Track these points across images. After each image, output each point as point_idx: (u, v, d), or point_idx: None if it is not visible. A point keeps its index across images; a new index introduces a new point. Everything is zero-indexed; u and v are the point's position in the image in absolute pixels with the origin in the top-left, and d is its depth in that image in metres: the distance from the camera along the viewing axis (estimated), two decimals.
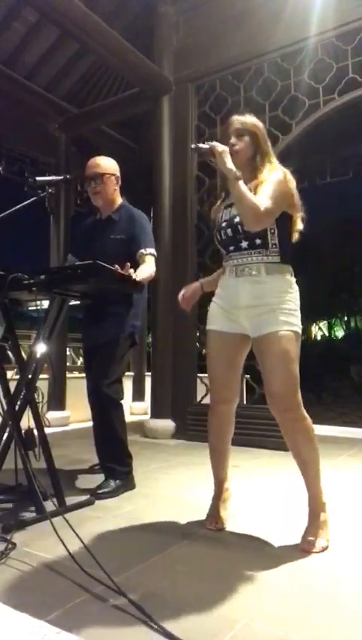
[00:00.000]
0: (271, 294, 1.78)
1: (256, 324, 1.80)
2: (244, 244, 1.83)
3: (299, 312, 1.82)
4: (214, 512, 1.98)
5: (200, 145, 1.79)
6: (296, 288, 1.84)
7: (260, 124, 1.92)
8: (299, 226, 1.88)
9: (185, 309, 2.15)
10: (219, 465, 2.02)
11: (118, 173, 2.67)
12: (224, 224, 1.90)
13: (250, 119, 1.91)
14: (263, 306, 1.78)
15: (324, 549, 1.71)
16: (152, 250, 2.53)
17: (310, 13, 3.89)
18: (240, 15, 4.29)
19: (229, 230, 1.86)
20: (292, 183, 1.82)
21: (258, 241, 1.81)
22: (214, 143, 1.77)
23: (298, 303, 1.83)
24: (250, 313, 1.81)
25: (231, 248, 1.88)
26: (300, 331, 1.80)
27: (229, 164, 1.74)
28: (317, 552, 1.69)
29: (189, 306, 2.14)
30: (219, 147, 1.76)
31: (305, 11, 3.92)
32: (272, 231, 1.81)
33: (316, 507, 1.80)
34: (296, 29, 3.97)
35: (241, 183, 1.72)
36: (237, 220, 1.83)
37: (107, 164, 2.63)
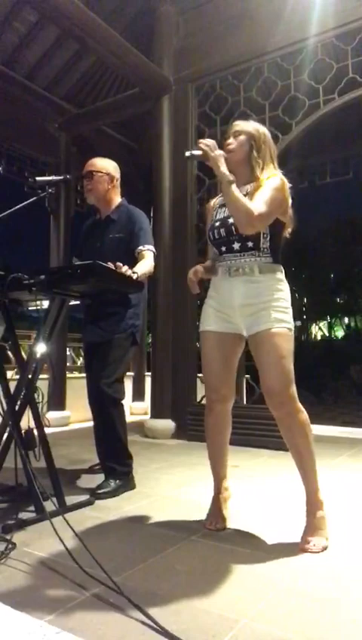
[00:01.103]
0: (264, 293, 1.82)
1: (251, 322, 1.83)
2: (236, 245, 1.86)
3: (291, 309, 1.86)
4: (214, 512, 1.98)
5: (193, 152, 1.82)
6: (286, 286, 1.89)
7: (261, 128, 1.93)
8: (288, 233, 1.91)
9: (194, 290, 1.96)
10: (218, 464, 2.02)
11: (115, 174, 2.67)
12: (217, 223, 1.92)
13: (250, 123, 1.94)
14: (257, 304, 1.81)
15: (324, 549, 1.71)
16: (151, 247, 2.54)
17: (310, 13, 3.89)
18: (240, 15, 4.29)
19: (223, 230, 1.89)
20: (288, 192, 1.85)
21: (250, 244, 1.84)
22: (207, 146, 1.78)
23: (289, 300, 1.87)
24: (245, 312, 1.84)
25: (224, 249, 1.90)
26: (293, 328, 1.84)
27: (223, 167, 1.77)
28: (316, 552, 1.69)
29: (196, 286, 1.96)
30: (213, 152, 1.78)
31: (305, 11, 3.92)
32: (265, 236, 1.84)
33: (313, 505, 1.81)
34: (296, 29, 3.97)
35: (234, 187, 1.75)
36: (231, 220, 1.85)
37: (101, 163, 2.64)
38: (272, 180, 1.83)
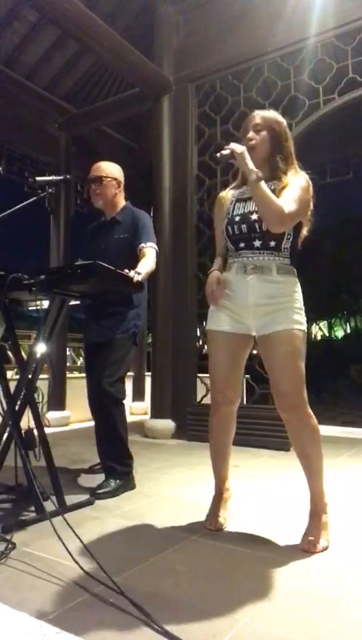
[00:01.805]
0: (283, 293, 1.79)
1: (265, 322, 1.79)
2: (257, 243, 1.81)
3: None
4: (214, 512, 1.97)
5: (223, 152, 1.77)
6: (300, 289, 1.86)
7: (282, 121, 1.89)
8: (305, 232, 1.89)
9: (215, 304, 1.90)
10: (220, 465, 2.01)
11: (121, 178, 2.71)
12: (237, 218, 1.85)
13: (271, 115, 1.88)
14: (274, 304, 1.78)
15: (324, 549, 1.71)
16: (152, 244, 2.54)
17: (310, 13, 3.89)
18: (240, 15, 4.29)
19: (244, 226, 1.83)
20: (311, 193, 1.83)
21: (272, 244, 1.80)
22: (233, 146, 1.75)
23: (302, 302, 1.84)
24: (259, 311, 1.80)
25: (242, 245, 1.84)
26: (306, 329, 1.82)
27: (250, 164, 1.73)
28: (317, 552, 1.69)
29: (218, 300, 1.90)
30: (239, 148, 1.74)
31: (305, 11, 3.92)
32: (288, 237, 1.82)
33: (318, 507, 1.80)
34: (296, 29, 3.97)
35: (263, 183, 1.71)
36: (254, 217, 1.81)
37: (108, 168, 2.68)
38: (299, 179, 1.80)
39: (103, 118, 5.42)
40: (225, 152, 1.76)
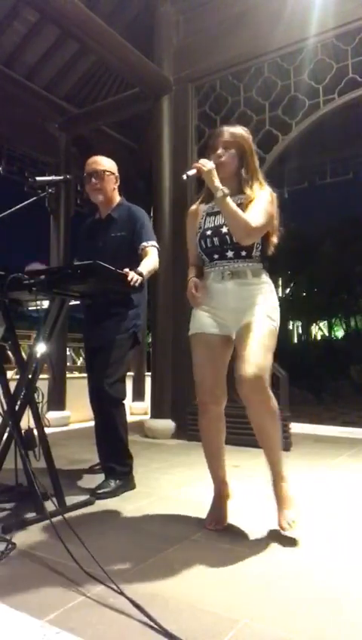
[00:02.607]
0: (257, 293, 1.90)
1: (241, 317, 1.89)
2: (230, 253, 1.92)
3: (278, 310, 1.94)
4: (214, 512, 1.98)
5: (188, 173, 1.84)
6: (273, 288, 1.97)
7: (249, 138, 1.98)
8: (275, 240, 1.97)
9: (198, 304, 1.98)
10: (216, 465, 2.02)
11: (117, 173, 2.72)
12: (209, 232, 1.96)
13: (239, 131, 1.97)
14: (250, 304, 1.88)
15: (293, 522, 1.80)
16: (154, 242, 2.58)
17: (310, 13, 3.89)
18: (240, 15, 4.29)
19: (216, 239, 1.93)
20: (276, 204, 1.93)
21: (243, 253, 1.92)
22: (200, 163, 1.83)
23: (276, 301, 1.95)
24: (238, 311, 1.90)
25: (216, 256, 1.95)
26: (278, 327, 1.92)
27: (217, 181, 1.81)
28: (288, 528, 1.78)
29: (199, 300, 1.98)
30: (206, 166, 1.82)
31: (304, 11, 3.92)
32: (257, 246, 1.92)
33: (279, 477, 1.90)
34: (295, 29, 3.97)
35: (229, 199, 1.80)
36: (224, 230, 1.91)
37: (107, 162, 2.69)
38: (264, 193, 1.91)
39: (103, 118, 5.41)
40: (191, 172, 1.84)
